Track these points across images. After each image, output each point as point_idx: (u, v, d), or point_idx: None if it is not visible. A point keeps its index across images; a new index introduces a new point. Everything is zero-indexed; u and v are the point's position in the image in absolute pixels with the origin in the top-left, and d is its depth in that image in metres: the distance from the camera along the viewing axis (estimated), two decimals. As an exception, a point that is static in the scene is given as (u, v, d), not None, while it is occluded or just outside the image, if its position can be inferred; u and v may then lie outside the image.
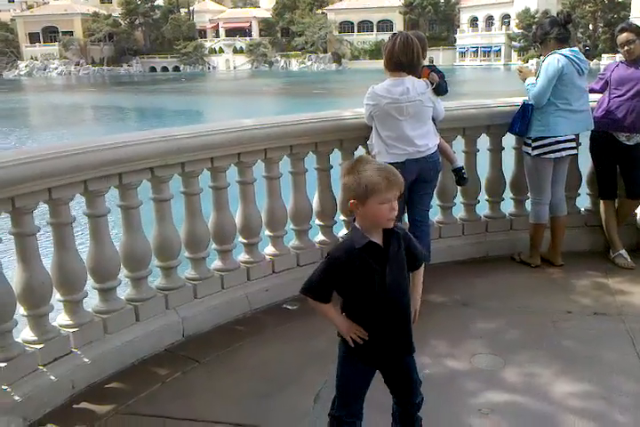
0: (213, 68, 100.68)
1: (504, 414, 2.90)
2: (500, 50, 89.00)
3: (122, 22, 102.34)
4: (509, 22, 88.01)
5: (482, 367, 3.33)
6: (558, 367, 3.29)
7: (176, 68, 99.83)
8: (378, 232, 2.26)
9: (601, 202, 4.90)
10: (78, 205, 3.43)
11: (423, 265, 2.46)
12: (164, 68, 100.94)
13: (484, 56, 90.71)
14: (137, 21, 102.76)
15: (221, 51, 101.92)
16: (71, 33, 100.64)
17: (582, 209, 5.15)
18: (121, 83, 76.03)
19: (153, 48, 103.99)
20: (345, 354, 2.41)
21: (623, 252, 4.72)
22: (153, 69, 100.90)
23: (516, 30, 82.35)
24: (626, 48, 4.55)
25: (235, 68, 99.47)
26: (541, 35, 4.56)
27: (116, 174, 3.34)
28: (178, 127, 3.78)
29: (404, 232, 2.36)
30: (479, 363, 3.37)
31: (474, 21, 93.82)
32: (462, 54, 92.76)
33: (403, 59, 3.92)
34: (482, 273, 4.65)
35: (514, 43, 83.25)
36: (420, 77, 4.07)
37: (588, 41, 66.10)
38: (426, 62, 4.34)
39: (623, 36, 4.56)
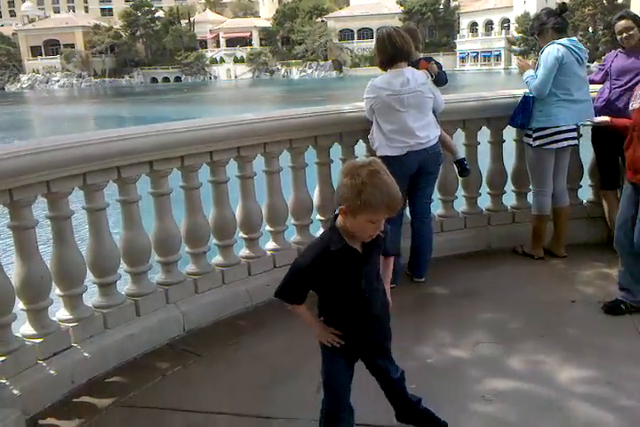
0: (215, 77, 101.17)
1: (508, 400, 2.87)
2: (500, 54, 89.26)
3: (123, 34, 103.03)
4: (509, 27, 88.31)
5: (485, 356, 3.30)
6: (562, 355, 3.26)
7: (177, 79, 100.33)
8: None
9: (603, 193, 4.87)
10: (78, 200, 3.42)
11: (393, 258, 2.47)
12: (166, 79, 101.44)
13: (485, 61, 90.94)
14: (138, 33, 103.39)
15: (222, 60, 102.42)
16: (72, 45, 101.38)
17: (584, 201, 5.12)
18: (123, 94, 76.38)
19: (154, 59, 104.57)
20: (326, 352, 2.42)
21: (626, 242, 4.68)
22: (154, 80, 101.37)
23: (516, 34, 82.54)
24: (624, 35, 4.54)
25: (236, 77, 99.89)
26: (538, 25, 4.56)
27: (114, 168, 3.33)
28: (177, 121, 3.78)
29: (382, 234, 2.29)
30: (482, 352, 3.34)
31: (473, 26, 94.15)
32: (463, 59, 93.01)
33: (393, 51, 3.91)
34: (484, 266, 4.62)
35: (514, 47, 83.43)
36: (418, 69, 4.06)
37: (589, 44, 66.17)
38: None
39: (621, 24, 4.55)
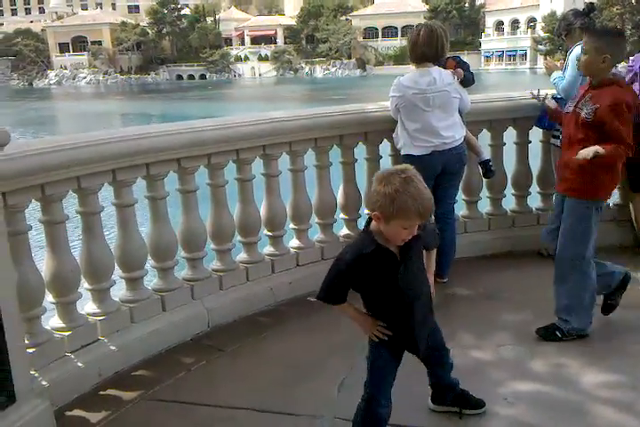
0: (239, 75, 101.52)
1: (530, 403, 2.87)
2: (525, 53, 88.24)
3: (149, 31, 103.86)
4: (535, 26, 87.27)
5: (508, 358, 3.29)
6: (585, 359, 3.24)
7: (202, 76, 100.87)
8: None
9: (631, 195, 4.82)
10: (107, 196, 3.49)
11: (435, 250, 2.53)
12: (191, 76, 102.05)
13: (510, 60, 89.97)
14: (164, 30, 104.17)
15: (247, 58, 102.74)
16: (100, 42, 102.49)
17: (611, 204, 5.07)
18: (148, 91, 77.10)
19: (180, 56, 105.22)
20: (372, 343, 2.46)
21: (653, 246, 4.64)
22: (179, 77, 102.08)
23: (542, 34, 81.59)
24: None
25: (260, 75, 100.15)
26: (565, 26, 4.53)
27: (143, 164, 3.39)
28: (205, 119, 3.82)
29: (426, 225, 2.36)
30: (505, 354, 3.33)
31: (499, 25, 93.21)
32: (488, 58, 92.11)
33: (427, 50, 3.92)
34: (508, 267, 4.60)
35: (540, 46, 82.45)
36: (445, 68, 4.06)
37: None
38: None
39: None
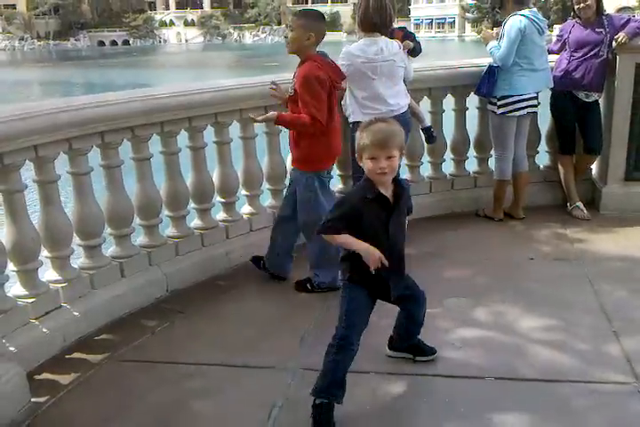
0: (164, 41, 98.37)
1: (475, 346, 3.15)
2: (454, 21, 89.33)
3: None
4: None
5: (453, 309, 3.57)
6: (523, 306, 3.56)
7: (125, 42, 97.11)
8: (387, 186, 2.56)
9: (559, 157, 5.17)
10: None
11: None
12: (114, 42, 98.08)
13: (439, 28, 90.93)
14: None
15: (172, 23, 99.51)
16: (14, 6, 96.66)
17: (541, 166, 5.43)
18: (69, 57, 73.53)
19: (101, 21, 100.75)
20: (348, 285, 2.66)
21: (580, 204, 5.03)
22: (101, 43, 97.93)
23: (470, 1, 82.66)
24: (582, 5, 4.76)
25: (187, 41, 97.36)
26: None
27: (97, 133, 3.40)
28: (158, 87, 3.84)
29: (408, 186, 2.69)
30: (450, 305, 3.61)
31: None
32: (417, 26, 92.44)
33: (377, 19, 4.05)
34: (449, 228, 4.89)
35: (467, 14, 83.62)
36: (392, 39, 4.21)
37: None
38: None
39: None
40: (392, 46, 4.10)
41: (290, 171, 4.07)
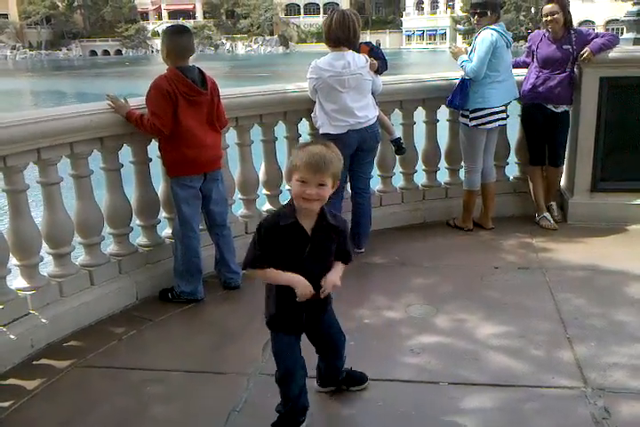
0: (157, 51, 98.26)
1: (433, 352, 3.22)
2: (445, 33, 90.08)
3: (59, 4, 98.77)
4: (454, 5, 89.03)
5: (416, 316, 3.65)
6: (484, 314, 3.64)
7: (118, 52, 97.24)
8: (311, 216, 2.34)
9: (529, 169, 5.28)
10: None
11: (343, 266, 2.52)
12: (106, 52, 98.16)
13: (430, 39, 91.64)
14: (75, 3, 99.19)
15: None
16: (6, 15, 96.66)
17: (511, 177, 5.54)
18: (61, 67, 73.56)
19: (93, 31, 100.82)
20: (273, 332, 2.58)
21: (547, 214, 5.13)
22: (94, 53, 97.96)
23: (461, 13, 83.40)
24: (549, 18, 4.88)
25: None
26: (493, 6, 4.79)
27: (67, 144, 3.48)
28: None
29: (344, 228, 2.45)
30: (413, 312, 3.69)
31: (419, 4, 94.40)
32: (409, 37, 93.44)
33: (340, 35, 4.16)
34: (419, 237, 4.99)
35: (458, 26, 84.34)
36: (358, 53, 4.32)
37: (530, 24, 67.63)
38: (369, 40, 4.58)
39: (548, 7, 4.89)
40: (359, 60, 4.21)
41: None
